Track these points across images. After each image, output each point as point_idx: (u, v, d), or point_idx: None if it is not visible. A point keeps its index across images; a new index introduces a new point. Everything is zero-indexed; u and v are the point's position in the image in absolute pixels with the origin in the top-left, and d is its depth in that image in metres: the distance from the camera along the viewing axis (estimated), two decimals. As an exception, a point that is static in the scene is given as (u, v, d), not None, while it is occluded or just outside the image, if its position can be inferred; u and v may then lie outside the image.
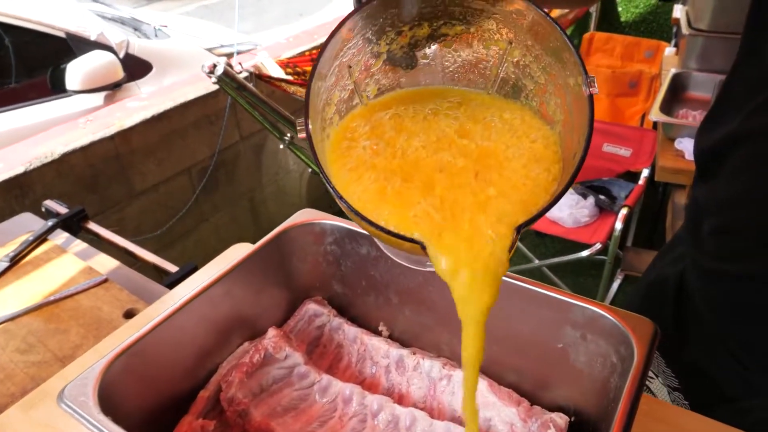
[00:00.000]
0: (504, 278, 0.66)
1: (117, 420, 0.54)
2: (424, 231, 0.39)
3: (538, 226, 2.34)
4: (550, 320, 0.66)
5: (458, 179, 0.42)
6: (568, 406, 0.68)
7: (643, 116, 2.82)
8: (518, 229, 0.38)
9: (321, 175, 0.39)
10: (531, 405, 0.69)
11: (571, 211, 2.29)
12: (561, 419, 0.64)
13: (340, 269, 0.81)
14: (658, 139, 1.82)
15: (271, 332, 0.73)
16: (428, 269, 0.42)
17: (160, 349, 0.65)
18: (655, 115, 1.69)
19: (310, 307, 0.81)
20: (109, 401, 0.57)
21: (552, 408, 0.68)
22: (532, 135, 0.44)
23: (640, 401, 0.54)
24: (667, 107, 1.79)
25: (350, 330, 0.79)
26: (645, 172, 2.28)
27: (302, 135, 0.38)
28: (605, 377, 0.63)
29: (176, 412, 0.67)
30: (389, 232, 0.38)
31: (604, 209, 2.36)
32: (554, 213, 2.32)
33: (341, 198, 0.38)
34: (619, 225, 2.12)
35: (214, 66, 1.42)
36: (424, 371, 0.74)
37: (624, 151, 2.34)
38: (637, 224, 2.56)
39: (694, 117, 1.72)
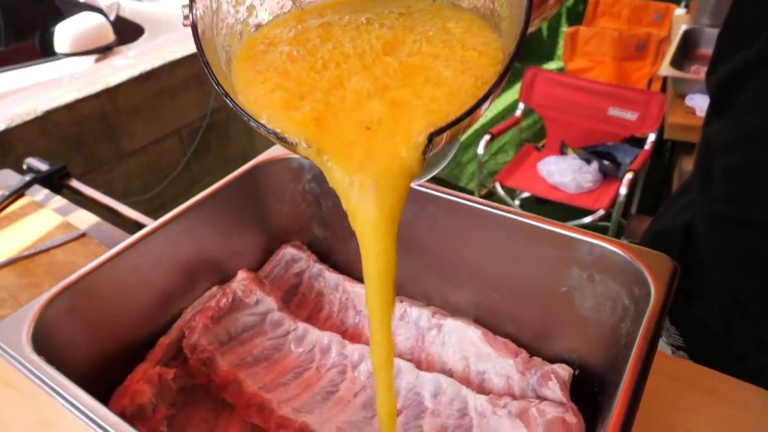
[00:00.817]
0: (501, 212, 0.58)
1: (59, 364, 0.47)
2: (312, 134, 0.35)
3: (541, 191, 2.26)
4: (553, 260, 0.58)
5: (365, 90, 0.37)
6: (571, 358, 0.61)
7: (650, 81, 2.72)
8: (430, 136, 0.33)
9: (203, 64, 0.33)
10: (530, 357, 0.61)
11: (574, 177, 2.21)
12: (564, 371, 0.57)
13: (320, 210, 0.73)
14: (667, 97, 1.73)
15: (241, 275, 0.66)
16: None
17: (111, 290, 0.57)
18: (666, 70, 1.60)
19: (288, 251, 0.73)
20: (46, 342, 0.50)
21: (554, 361, 0.60)
22: (470, 42, 0.38)
23: (656, 349, 0.47)
24: (677, 65, 1.70)
25: (332, 277, 0.72)
26: (651, 137, 2.19)
27: (186, 22, 0.33)
28: (615, 323, 0.55)
29: (133, 361, 0.60)
30: (271, 132, 0.34)
31: (608, 175, 2.27)
32: (556, 178, 2.24)
33: (218, 85, 0.33)
34: (623, 190, 2.04)
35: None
36: (411, 320, 0.67)
37: (630, 115, 2.25)
38: (642, 191, 2.48)
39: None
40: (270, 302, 0.65)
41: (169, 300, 0.64)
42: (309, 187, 0.72)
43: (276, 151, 0.72)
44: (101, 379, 0.57)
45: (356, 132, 0.35)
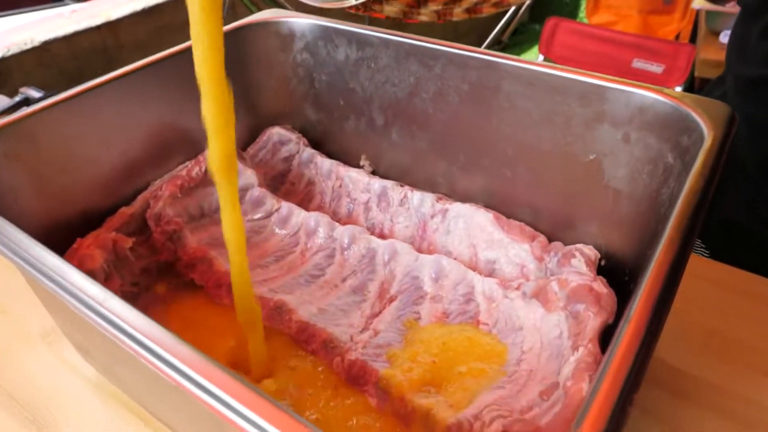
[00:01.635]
0: (519, 64, 0.49)
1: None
2: None
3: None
4: (579, 120, 0.49)
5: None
6: (597, 246, 0.52)
7: (677, 37, 2.58)
8: None
9: None
10: (549, 242, 0.53)
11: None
12: (590, 251, 0.48)
13: (313, 87, 0.64)
14: (699, 32, 1.61)
15: (218, 143, 0.57)
16: None
17: (60, 140, 0.49)
18: (699, 3, 1.48)
19: (275, 131, 0.65)
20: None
21: (575, 250, 0.52)
22: None
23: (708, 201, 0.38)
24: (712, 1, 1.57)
25: (324, 163, 0.63)
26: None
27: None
28: (654, 191, 0.46)
29: (89, 230, 0.52)
30: None
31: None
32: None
33: None
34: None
35: None
36: (412, 207, 0.58)
37: (655, 68, 2.12)
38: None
39: (743, 10, 1.52)
40: (250, 176, 0.57)
41: (135, 169, 0.56)
42: (301, 59, 0.63)
43: (263, 15, 0.63)
44: (52, 244, 0.49)
45: None
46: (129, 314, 0.30)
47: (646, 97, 0.45)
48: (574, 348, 0.37)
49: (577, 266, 0.45)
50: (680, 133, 0.43)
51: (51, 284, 0.32)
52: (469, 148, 0.56)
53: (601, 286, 0.42)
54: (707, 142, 0.39)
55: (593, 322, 0.38)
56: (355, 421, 0.41)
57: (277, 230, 0.57)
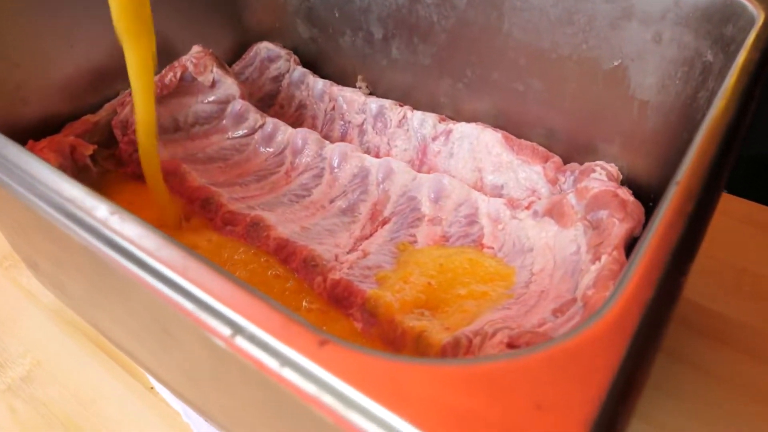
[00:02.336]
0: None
1: None
2: None
3: None
4: (602, 19, 0.42)
5: None
6: (620, 169, 0.46)
7: None
8: None
9: None
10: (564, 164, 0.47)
11: None
12: (612, 168, 0.43)
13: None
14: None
15: (196, 48, 0.51)
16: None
17: (18, 33, 0.44)
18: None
19: (263, 46, 0.59)
20: None
21: (593, 174, 0.46)
22: None
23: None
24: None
25: (317, 83, 0.57)
26: None
27: None
28: (688, 98, 0.40)
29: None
30: None
31: None
32: None
33: None
34: None
35: None
36: (412, 128, 0.52)
37: None
38: None
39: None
40: (231, 85, 0.51)
41: (103, 76, 0.50)
42: (292, -34, 0.57)
43: None
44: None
45: None
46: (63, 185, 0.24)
47: (684, -15, 0.39)
48: (596, 258, 0.31)
49: (598, 178, 0.39)
50: (723, 24, 0.37)
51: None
52: (477, 60, 0.50)
53: (626, 194, 0.36)
54: (758, 22, 0.33)
55: (618, 228, 0.32)
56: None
57: (261, 149, 0.51)
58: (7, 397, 0.41)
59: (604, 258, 0.30)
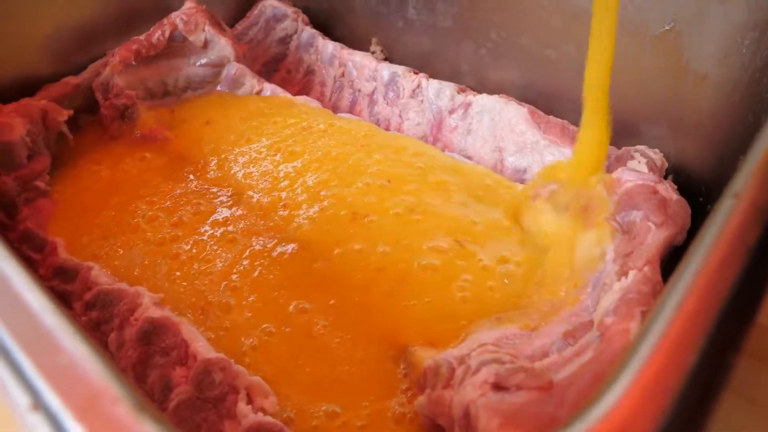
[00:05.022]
0: None
1: None
2: None
3: None
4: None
5: None
6: (666, 155, 0.38)
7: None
8: None
9: None
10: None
11: None
12: (656, 154, 0.36)
13: (318, -51, 0.52)
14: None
15: (189, 4, 0.46)
16: None
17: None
18: None
19: (268, 4, 0.53)
20: None
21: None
22: None
23: None
24: None
25: (326, 46, 0.52)
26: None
27: None
28: (756, 71, 0.33)
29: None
30: None
31: None
32: None
33: None
34: None
35: None
36: (427, 98, 0.46)
37: None
38: None
39: None
40: (225, 47, 0.46)
41: (89, 34, 0.46)
42: None
43: None
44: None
45: None
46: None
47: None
48: (623, 273, 0.25)
49: (636, 167, 0.32)
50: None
51: None
52: (503, 22, 0.43)
53: (669, 190, 0.29)
54: None
55: (655, 236, 0.26)
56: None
57: (256, 118, 0.46)
58: None
59: (632, 274, 0.24)
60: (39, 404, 0.11)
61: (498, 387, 0.20)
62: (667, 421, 0.11)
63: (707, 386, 0.11)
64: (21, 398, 0.11)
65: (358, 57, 0.50)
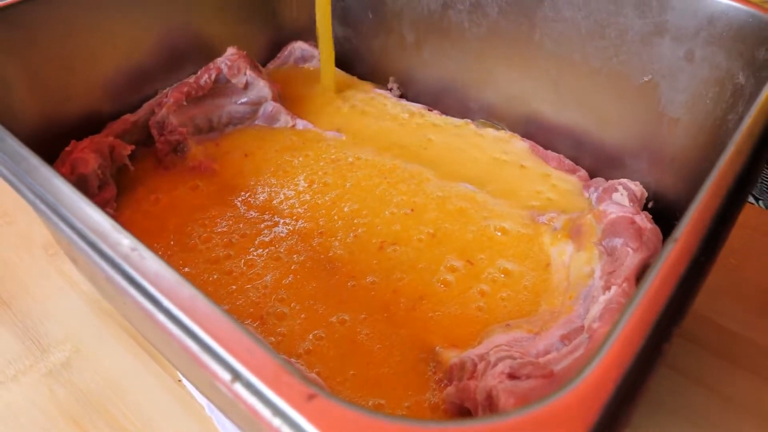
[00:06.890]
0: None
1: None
2: None
3: None
4: (634, 34, 0.42)
5: None
6: (646, 185, 0.45)
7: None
8: None
9: None
10: (591, 178, 0.47)
11: None
12: (636, 186, 0.42)
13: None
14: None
15: (231, 50, 0.52)
16: None
17: (63, 35, 0.46)
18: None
19: (298, 46, 0.60)
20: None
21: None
22: None
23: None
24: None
25: (348, 83, 0.58)
26: None
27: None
28: (717, 119, 0.40)
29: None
30: None
31: None
32: None
33: None
34: None
35: None
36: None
37: None
38: None
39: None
40: (263, 88, 0.52)
41: (143, 76, 0.52)
42: (328, -34, 0.57)
43: None
44: (46, 148, 0.46)
45: None
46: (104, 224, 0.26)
47: (719, 4, 0.38)
48: (606, 288, 0.32)
49: (619, 200, 0.39)
50: (757, 46, 0.36)
51: (28, 193, 0.29)
52: (508, 67, 0.50)
53: (644, 220, 0.36)
54: (792, 51, 0.33)
55: (632, 259, 0.32)
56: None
57: (290, 148, 0.52)
58: (49, 381, 0.44)
59: (613, 289, 0.31)
60: (237, 377, 0.17)
61: (512, 376, 0.26)
62: (621, 385, 0.17)
63: (647, 363, 0.18)
64: (224, 374, 0.17)
65: (380, 91, 0.56)
